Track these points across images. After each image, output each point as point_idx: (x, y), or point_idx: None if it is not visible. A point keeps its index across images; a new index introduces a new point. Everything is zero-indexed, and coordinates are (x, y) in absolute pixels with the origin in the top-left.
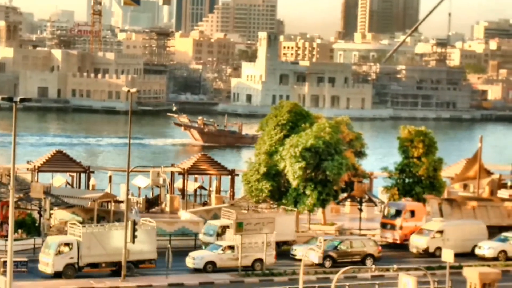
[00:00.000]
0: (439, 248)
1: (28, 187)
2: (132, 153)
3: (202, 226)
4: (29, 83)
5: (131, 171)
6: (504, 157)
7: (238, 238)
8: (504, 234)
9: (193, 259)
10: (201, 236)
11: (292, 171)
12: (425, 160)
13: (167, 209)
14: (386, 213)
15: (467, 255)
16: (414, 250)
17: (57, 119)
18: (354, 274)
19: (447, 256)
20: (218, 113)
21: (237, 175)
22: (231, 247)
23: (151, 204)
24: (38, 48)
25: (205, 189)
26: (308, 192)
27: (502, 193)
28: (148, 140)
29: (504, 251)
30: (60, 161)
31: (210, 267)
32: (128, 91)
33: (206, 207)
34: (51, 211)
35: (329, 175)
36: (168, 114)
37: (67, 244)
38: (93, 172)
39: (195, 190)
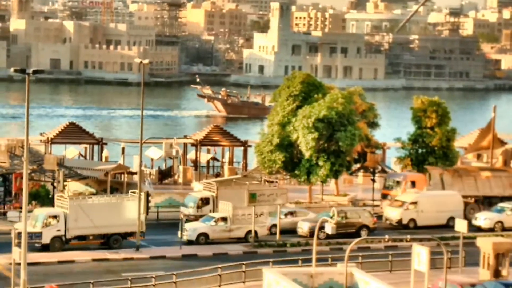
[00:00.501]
0: (412, 220)
1: (42, 159)
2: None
3: None
4: (41, 55)
5: (144, 142)
6: None
7: (230, 210)
8: (501, 204)
9: (186, 230)
10: (181, 208)
11: (305, 142)
12: (438, 130)
13: (180, 180)
14: (386, 184)
15: (442, 227)
16: (387, 222)
17: (69, 91)
18: (368, 245)
19: (461, 227)
20: (230, 84)
21: (250, 146)
22: (224, 219)
23: (164, 175)
24: (50, 20)
25: (218, 160)
26: (321, 163)
27: None
28: (168, 112)
29: (500, 222)
30: (73, 133)
31: (203, 239)
32: (141, 62)
33: (219, 178)
34: (65, 183)
35: (342, 146)
36: (192, 85)
37: (54, 217)
38: (106, 143)
39: (208, 162)
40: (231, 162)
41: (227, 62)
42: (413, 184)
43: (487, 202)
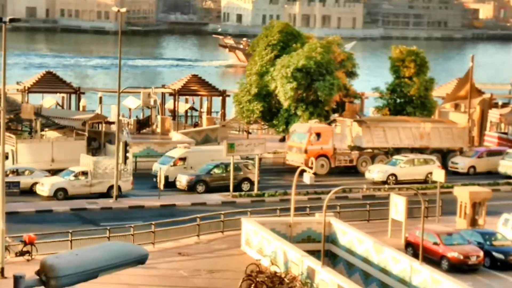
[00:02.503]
0: None
1: (19, 108)
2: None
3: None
4: (17, 3)
5: (122, 92)
6: (495, 76)
7: (91, 163)
8: (396, 157)
9: (42, 185)
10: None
11: (283, 91)
12: (416, 80)
13: (158, 130)
14: (292, 136)
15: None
16: (155, 179)
17: (45, 39)
18: (345, 195)
19: (438, 176)
20: (208, 33)
21: (228, 96)
22: (84, 173)
23: (142, 125)
24: None
25: (196, 110)
26: (299, 112)
27: (493, 113)
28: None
29: (394, 175)
30: (50, 82)
31: (61, 194)
32: (118, 11)
33: (197, 128)
34: (42, 132)
35: (320, 95)
36: (214, 35)
37: None
38: (83, 93)
39: (186, 111)
40: (209, 112)
41: (204, 11)
42: (318, 136)
43: (398, 154)
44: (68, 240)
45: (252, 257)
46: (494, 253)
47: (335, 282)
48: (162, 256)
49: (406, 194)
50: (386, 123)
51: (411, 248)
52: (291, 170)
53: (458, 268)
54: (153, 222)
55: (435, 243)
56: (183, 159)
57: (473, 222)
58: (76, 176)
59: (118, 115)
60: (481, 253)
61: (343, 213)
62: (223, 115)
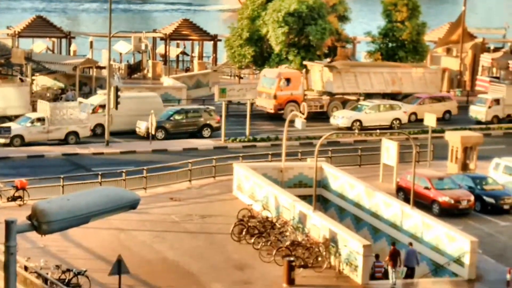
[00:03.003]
0: (100, 126)
1: (9, 53)
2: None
3: (185, 92)
4: None
5: (113, 36)
6: (489, 21)
7: (48, 110)
8: (362, 102)
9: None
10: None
11: (275, 36)
12: (408, 24)
13: (149, 75)
14: (262, 82)
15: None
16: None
17: None
18: (337, 139)
19: (430, 121)
20: None
21: (220, 40)
22: (41, 120)
23: (133, 70)
24: None
25: (187, 54)
26: (291, 57)
27: (485, 58)
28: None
29: (359, 121)
30: (40, 27)
31: (18, 141)
32: None
33: (188, 73)
34: (33, 77)
35: (312, 40)
36: None
37: None
38: (74, 37)
39: (177, 56)
40: (200, 56)
41: None
42: (288, 81)
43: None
44: (59, 185)
45: (243, 202)
46: (485, 197)
47: (327, 227)
48: (153, 201)
49: (398, 139)
50: (358, 68)
51: (402, 193)
52: (261, 115)
53: (449, 212)
54: (144, 168)
55: (426, 188)
56: (103, 106)
57: (464, 167)
58: (32, 122)
59: (109, 59)
60: (472, 198)
61: (334, 158)
62: (215, 59)
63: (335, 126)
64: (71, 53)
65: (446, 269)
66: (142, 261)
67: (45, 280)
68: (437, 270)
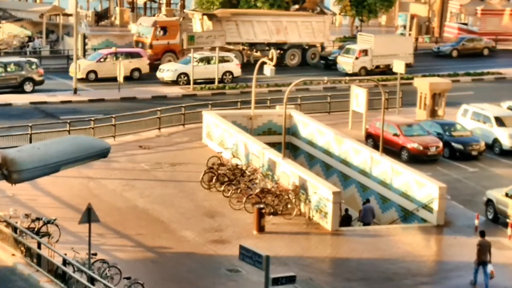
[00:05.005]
0: None
1: None
2: None
3: None
4: None
5: None
6: None
7: None
8: (191, 54)
9: None
10: None
11: None
12: None
13: (117, 22)
14: (139, 30)
15: None
16: None
17: None
18: (306, 87)
19: (399, 67)
20: None
21: None
22: None
23: (101, 17)
24: None
25: (155, 1)
26: (259, 4)
27: (453, 4)
28: None
29: (185, 74)
30: None
31: None
32: None
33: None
34: None
35: None
36: None
37: None
38: None
39: (145, 3)
40: (168, 3)
41: None
42: (165, 30)
43: (254, 49)
44: (27, 133)
45: (213, 150)
46: (453, 144)
47: (296, 174)
48: (123, 150)
49: (367, 86)
50: (240, 16)
51: (372, 140)
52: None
53: (418, 158)
54: (113, 115)
55: (395, 134)
56: None
57: (433, 113)
58: None
59: (76, 6)
60: (441, 144)
61: (304, 105)
62: (182, 6)
63: (160, 79)
64: (38, 1)
65: (415, 215)
66: (112, 210)
67: (15, 229)
68: (406, 216)
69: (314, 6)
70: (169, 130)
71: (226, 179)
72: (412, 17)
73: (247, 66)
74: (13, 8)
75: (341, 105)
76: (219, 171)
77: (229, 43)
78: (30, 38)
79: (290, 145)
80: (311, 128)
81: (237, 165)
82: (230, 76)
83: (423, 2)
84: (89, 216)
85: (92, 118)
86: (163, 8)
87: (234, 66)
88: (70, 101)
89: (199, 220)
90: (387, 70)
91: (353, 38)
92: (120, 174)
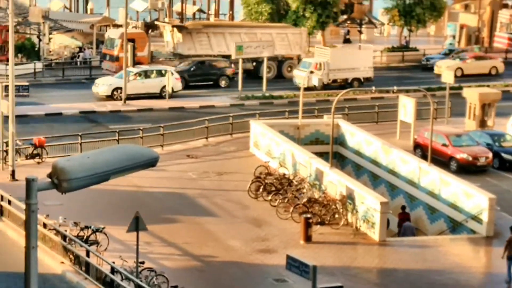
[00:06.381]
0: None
1: (27, 11)
2: None
3: None
4: None
5: None
6: None
7: None
8: (129, 69)
9: None
10: None
11: None
12: None
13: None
14: (106, 42)
15: None
16: None
17: None
18: (354, 96)
19: (448, 77)
20: None
21: None
22: None
23: (149, 27)
24: None
25: (204, 12)
26: (307, 14)
27: (503, 14)
28: None
29: (120, 88)
30: None
31: None
32: None
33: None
34: (50, 36)
35: None
36: None
37: None
38: None
39: (194, 14)
40: (217, 14)
41: None
42: (133, 42)
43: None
44: (77, 143)
45: (260, 159)
46: (503, 154)
47: (343, 184)
48: (170, 159)
49: (415, 96)
50: (211, 28)
51: (420, 150)
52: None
53: (467, 169)
54: (161, 125)
55: (444, 145)
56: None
57: (482, 123)
58: None
59: (126, 17)
60: (490, 154)
61: (351, 115)
62: (231, 17)
63: (96, 95)
64: (88, 12)
65: (463, 226)
66: (159, 218)
67: (64, 237)
68: (454, 227)
69: (362, 16)
70: (217, 139)
71: (273, 188)
72: (461, 27)
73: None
74: (64, 19)
75: (389, 115)
76: (266, 181)
77: (199, 55)
78: (81, 49)
79: (337, 154)
80: (359, 138)
81: (284, 174)
82: (170, 91)
83: (473, 12)
84: (137, 224)
85: (141, 128)
86: (212, 18)
87: (174, 81)
88: (119, 111)
89: (246, 229)
90: (345, 85)
91: (402, 48)
92: (167, 183)
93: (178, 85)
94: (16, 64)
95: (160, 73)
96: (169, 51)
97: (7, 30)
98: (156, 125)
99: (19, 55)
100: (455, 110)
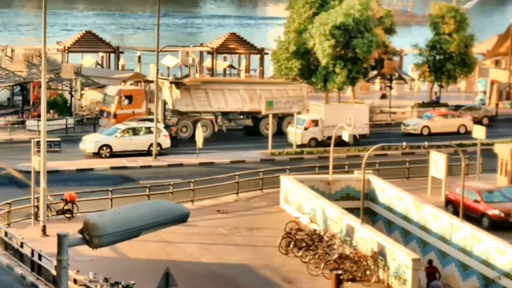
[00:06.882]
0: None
1: (59, 68)
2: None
3: None
4: None
5: (160, 51)
6: None
7: None
8: (117, 125)
9: None
10: None
11: (322, 49)
12: (456, 36)
13: None
14: (104, 99)
15: None
16: None
17: None
18: (385, 152)
19: (478, 133)
20: None
21: (267, 53)
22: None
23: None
24: None
25: (234, 68)
26: (337, 70)
27: None
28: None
29: (108, 146)
30: (89, 42)
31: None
32: None
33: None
34: (82, 91)
35: (359, 52)
36: None
37: None
38: (122, 52)
39: (225, 69)
40: (247, 69)
41: None
42: (130, 99)
43: (227, 119)
44: (108, 198)
45: (291, 214)
46: None
47: (375, 240)
48: (201, 214)
49: (446, 151)
50: (210, 85)
51: (451, 206)
52: None
53: (499, 225)
54: (192, 180)
55: (475, 201)
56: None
57: None
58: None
59: (157, 73)
60: None
61: (382, 170)
62: (262, 73)
63: (83, 152)
64: (120, 67)
65: (497, 283)
66: (189, 274)
67: None
68: (487, 284)
69: (392, 71)
70: (247, 194)
71: (304, 244)
72: (492, 82)
73: (220, 135)
74: (96, 75)
75: (420, 171)
76: (297, 236)
77: (199, 112)
78: None
79: (368, 210)
80: (390, 194)
81: (315, 230)
82: (158, 148)
83: (503, 68)
84: (167, 280)
85: (171, 183)
86: (242, 74)
87: (163, 138)
88: (149, 166)
89: (277, 286)
90: (340, 141)
91: (432, 104)
92: (198, 238)
93: (167, 142)
94: (48, 120)
95: (149, 130)
96: (168, 107)
97: (40, 86)
98: (186, 181)
99: (51, 111)
100: (486, 166)
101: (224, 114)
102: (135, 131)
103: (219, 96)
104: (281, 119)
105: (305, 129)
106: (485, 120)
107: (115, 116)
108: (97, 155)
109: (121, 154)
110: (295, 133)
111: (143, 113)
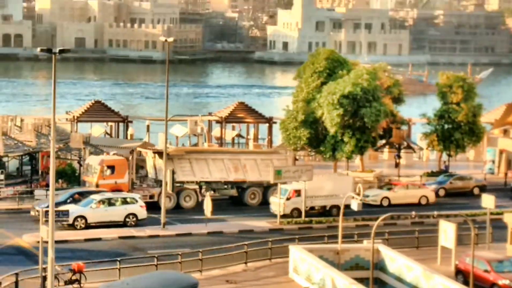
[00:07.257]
0: None
1: (68, 137)
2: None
3: None
4: (66, 34)
5: (169, 120)
6: None
7: None
8: (93, 196)
9: None
10: None
11: (330, 118)
12: (464, 105)
13: None
14: (86, 169)
15: None
16: None
17: (94, 69)
18: (394, 221)
19: (488, 202)
20: (254, 61)
21: (275, 123)
22: None
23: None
24: None
25: (243, 137)
26: (346, 139)
27: None
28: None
29: (83, 217)
30: (98, 111)
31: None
32: (165, 40)
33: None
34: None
35: (367, 122)
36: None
37: None
38: (131, 121)
39: (233, 139)
40: (256, 138)
41: (251, 39)
42: (112, 169)
43: (211, 188)
44: (116, 268)
45: (300, 284)
46: None
47: None
48: (209, 284)
49: (456, 221)
50: (193, 154)
51: (462, 276)
52: None
53: None
54: (200, 250)
55: (485, 271)
56: None
57: None
58: None
59: (166, 143)
60: None
61: (391, 240)
62: (270, 142)
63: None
64: (128, 137)
65: None
66: None
67: None
68: None
69: (400, 141)
70: (256, 264)
71: None
72: (501, 152)
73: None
74: (105, 144)
75: (430, 240)
76: None
77: (183, 182)
78: None
79: (377, 280)
80: (399, 263)
81: None
82: (134, 219)
83: (511, 138)
84: None
85: (179, 253)
86: (251, 143)
87: (139, 208)
88: (158, 236)
89: None
90: (323, 212)
91: (441, 173)
92: None
93: (143, 213)
94: (56, 189)
95: (125, 201)
96: (151, 177)
97: (48, 156)
98: (194, 250)
99: (60, 181)
100: (496, 235)
101: (208, 183)
102: (110, 202)
103: (202, 165)
104: (266, 189)
105: (287, 199)
106: (476, 190)
107: (97, 186)
108: (71, 226)
109: (96, 225)
110: (279, 203)
111: (126, 183)
